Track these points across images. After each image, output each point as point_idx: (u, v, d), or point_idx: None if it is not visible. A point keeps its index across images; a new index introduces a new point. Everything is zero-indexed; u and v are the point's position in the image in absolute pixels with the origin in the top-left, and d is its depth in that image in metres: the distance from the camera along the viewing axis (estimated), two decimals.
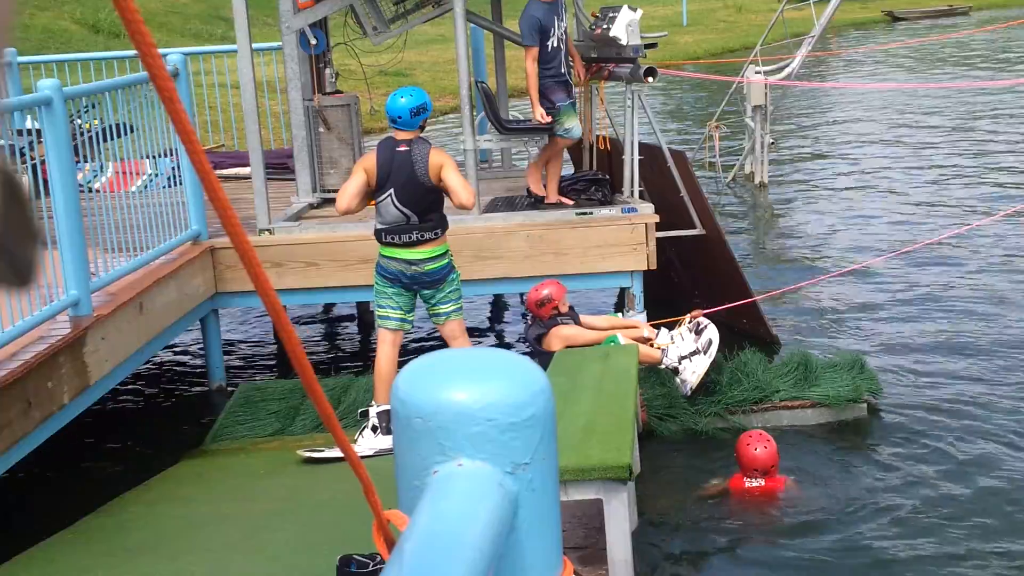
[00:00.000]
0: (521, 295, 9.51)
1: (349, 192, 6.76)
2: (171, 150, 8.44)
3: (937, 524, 6.15)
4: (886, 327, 9.43)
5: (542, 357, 7.23)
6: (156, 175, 8.67)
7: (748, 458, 6.58)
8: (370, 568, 4.67)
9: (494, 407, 1.42)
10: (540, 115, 8.43)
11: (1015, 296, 10.02)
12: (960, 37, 33.20)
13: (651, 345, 7.73)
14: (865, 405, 7.60)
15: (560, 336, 7.54)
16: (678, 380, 7.63)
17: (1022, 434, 7.25)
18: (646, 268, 8.40)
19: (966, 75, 26.16)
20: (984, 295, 10.11)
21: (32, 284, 0.78)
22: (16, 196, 0.75)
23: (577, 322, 7.75)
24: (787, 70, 15.03)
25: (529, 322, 7.94)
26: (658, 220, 8.42)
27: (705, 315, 8.08)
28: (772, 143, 15.38)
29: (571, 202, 8.73)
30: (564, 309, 7.70)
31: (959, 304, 9.86)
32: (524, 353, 5.91)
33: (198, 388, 9.01)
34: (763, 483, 6.56)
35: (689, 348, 7.69)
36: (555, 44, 8.47)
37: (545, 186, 8.87)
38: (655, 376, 7.65)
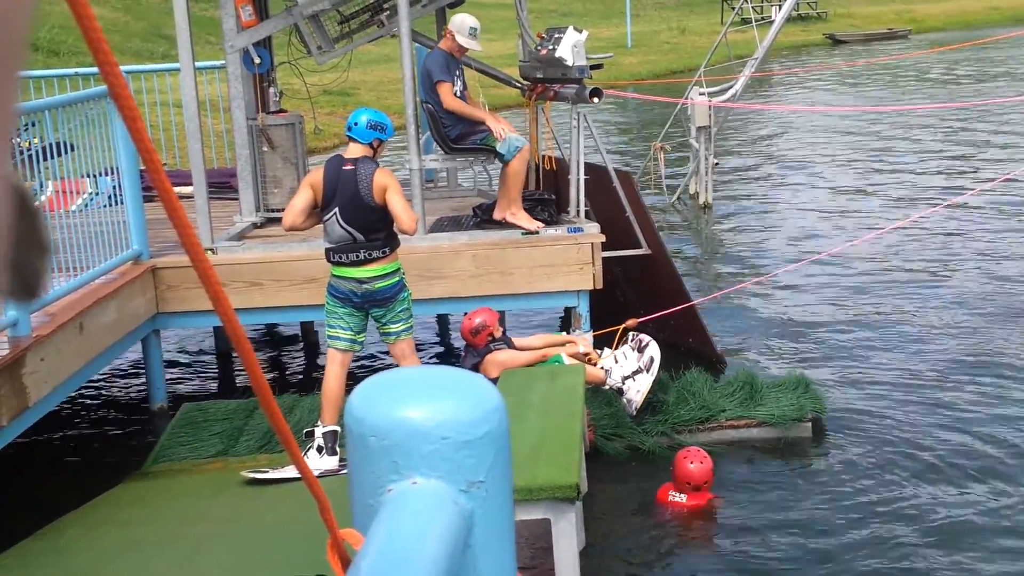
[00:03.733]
0: (466, 315, 9.47)
1: (295, 209, 6.74)
2: (112, 169, 8.35)
3: (881, 541, 6.21)
4: (831, 342, 9.51)
5: None
6: (97, 194, 8.56)
7: (682, 472, 6.67)
8: None
9: (448, 425, 1.41)
10: (500, 130, 8.42)
11: (958, 309, 10.16)
12: (900, 60, 33.76)
13: (589, 361, 7.75)
14: (810, 424, 7.67)
15: (496, 362, 7.53)
16: (624, 400, 7.65)
17: (966, 450, 7.34)
18: (592, 287, 8.43)
19: (904, 97, 26.59)
20: (925, 307, 10.24)
21: (39, 296, 0.78)
22: (26, 208, 0.75)
23: (511, 346, 7.75)
24: (731, 91, 15.17)
25: (463, 352, 7.92)
26: (604, 240, 8.46)
27: (641, 323, 8.14)
28: (716, 163, 15.52)
29: (539, 225, 8.56)
30: (498, 334, 7.71)
31: (903, 319, 9.99)
32: None
33: (140, 409, 8.90)
34: (685, 499, 6.65)
35: (632, 367, 7.71)
36: (457, 93, 8.63)
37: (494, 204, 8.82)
38: (601, 395, 7.67)
